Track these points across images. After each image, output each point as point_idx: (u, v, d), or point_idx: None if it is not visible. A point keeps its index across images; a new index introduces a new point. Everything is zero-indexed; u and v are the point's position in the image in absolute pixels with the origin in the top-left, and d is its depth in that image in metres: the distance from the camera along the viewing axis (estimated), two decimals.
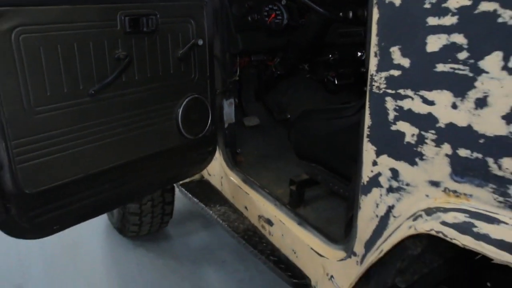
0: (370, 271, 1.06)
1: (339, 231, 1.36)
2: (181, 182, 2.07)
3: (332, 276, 1.20)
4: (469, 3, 0.73)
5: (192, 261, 2.54)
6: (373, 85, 0.94)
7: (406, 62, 0.86)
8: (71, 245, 2.68)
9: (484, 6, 0.71)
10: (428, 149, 0.85)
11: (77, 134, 1.26)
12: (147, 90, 1.43)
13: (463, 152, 0.79)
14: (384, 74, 0.91)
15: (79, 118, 1.26)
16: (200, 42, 1.52)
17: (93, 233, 2.82)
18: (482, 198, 0.78)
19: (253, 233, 1.62)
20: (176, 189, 2.52)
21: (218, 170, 1.90)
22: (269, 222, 1.53)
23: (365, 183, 1.02)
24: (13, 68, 1.09)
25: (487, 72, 0.73)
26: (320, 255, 1.26)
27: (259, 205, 1.60)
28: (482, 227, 0.75)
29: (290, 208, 1.48)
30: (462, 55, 0.76)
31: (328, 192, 1.66)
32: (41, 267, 2.45)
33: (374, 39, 0.92)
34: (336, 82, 2.04)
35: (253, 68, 2.05)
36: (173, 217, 2.87)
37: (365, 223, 1.04)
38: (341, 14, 1.58)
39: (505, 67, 0.70)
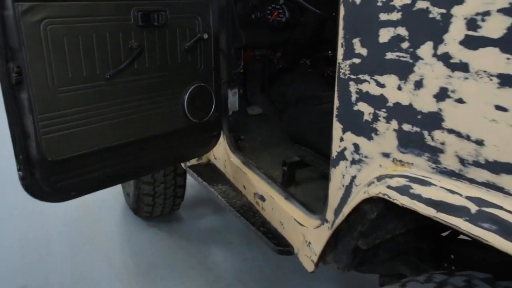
0: (338, 235, 1.20)
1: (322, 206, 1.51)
2: (189, 164, 2.25)
3: (309, 243, 1.35)
4: (409, 1, 0.87)
5: (200, 241, 2.72)
6: (340, 72, 1.09)
7: (364, 52, 1.01)
8: (91, 223, 2.91)
9: (419, 4, 0.85)
10: (381, 125, 0.99)
11: (93, 112, 1.45)
12: (157, 77, 1.61)
13: (406, 127, 0.93)
14: (348, 62, 1.06)
15: (96, 99, 1.45)
16: (205, 36, 1.70)
17: (111, 214, 3.04)
18: (420, 166, 0.92)
19: (248, 209, 1.79)
20: (189, 177, 2.71)
21: (222, 154, 2.07)
22: (262, 198, 1.70)
23: (334, 157, 1.17)
24: (40, 53, 1.28)
25: (422, 59, 0.87)
26: (301, 225, 1.41)
27: (255, 184, 1.76)
28: (417, 189, 0.89)
29: (280, 186, 1.64)
30: (405, 45, 0.90)
31: (319, 175, 1.81)
32: (65, 242, 2.68)
33: (341, 32, 1.07)
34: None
35: (257, 62, 2.21)
36: (185, 203, 3.07)
37: (334, 193, 1.19)
38: (333, 14, 1.72)
39: (435, 55, 0.84)
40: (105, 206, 3.15)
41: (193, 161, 2.26)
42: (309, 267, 1.37)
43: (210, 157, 2.25)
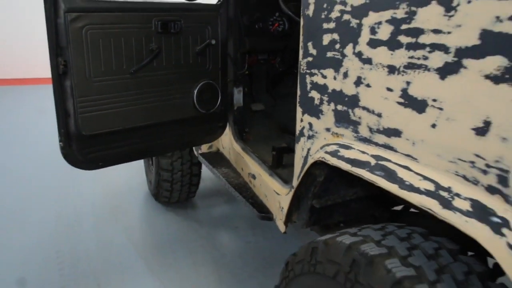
0: (299, 198, 1.53)
1: None
2: (201, 152, 2.63)
3: (282, 208, 1.68)
4: (339, 14, 1.22)
5: (211, 225, 3.07)
6: (300, 68, 1.43)
7: (314, 52, 1.35)
8: (116, 206, 3.33)
9: (345, 17, 1.19)
10: (324, 107, 1.33)
11: (119, 98, 1.85)
12: (171, 73, 2.00)
13: (339, 107, 1.27)
14: (305, 60, 1.40)
15: (122, 88, 1.85)
16: (213, 42, 2.08)
17: (134, 199, 3.46)
18: (346, 136, 1.25)
19: (243, 186, 2.14)
20: (205, 170, 3.08)
21: (227, 143, 2.43)
22: (254, 177, 2.04)
23: (297, 134, 1.51)
24: (81, 51, 1.70)
25: (347, 56, 1.21)
26: (278, 194, 1.75)
27: (249, 166, 2.11)
28: (342, 152, 1.22)
29: (268, 166, 1.98)
30: (337, 46, 1.24)
31: None
32: (92, 220, 3.11)
33: (301, 38, 1.41)
34: None
35: (261, 65, 2.58)
36: (201, 193, 3.45)
37: (297, 163, 1.52)
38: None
39: (354, 52, 1.18)
40: (130, 192, 3.58)
41: (204, 149, 2.64)
42: (282, 228, 1.70)
43: (219, 147, 2.62)
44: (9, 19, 8.74)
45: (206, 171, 3.43)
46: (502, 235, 0.79)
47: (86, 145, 1.83)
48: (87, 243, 2.79)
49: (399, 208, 1.72)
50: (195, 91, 2.09)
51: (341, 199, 1.49)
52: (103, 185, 3.74)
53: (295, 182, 1.55)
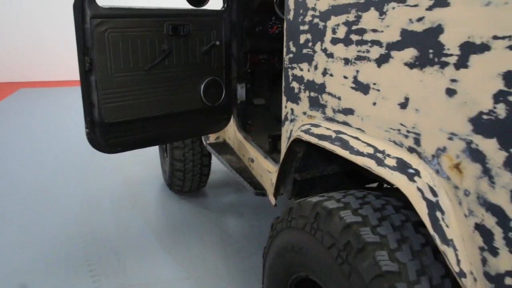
0: (285, 173, 1.82)
1: None
2: (209, 142, 2.94)
3: (273, 183, 1.97)
4: (311, 18, 1.50)
5: (219, 211, 3.37)
6: (284, 63, 1.73)
7: (294, 49, 1.64)
8: (134, 194, 3.67)
9: (315, 20, 1.48)
10: (302, 95, 1.61)
11: (136, 92, 2.17)
12: (181, 70, 2.31)
13: (312, 94, 1.55)
14: (287, 56, 1.69)
15: (138, 83, 2.17)
16: (217, 43, 2.39)
17: (150, 189, 3.80)
18: (317, 117, 1.53)
19: (243, 169, 2.43)
20: (216, 163, 3.39)
21: (232, 134, 2.74)
22: (252, 161, 2.34)
23: (283, 119, 1.79)
24: (104, 51, 2.02)
25: (316, 52, 1.49)
26: (270, 172, 2.04)
27: (249, 152, 2.41)
28: (313, 130, 1.50)
29: (264, 150, 2.27)
30: (310, 44, 1.53)
31: None
32: (112, 206, 3.45)
33: (284, 38, 1.70)
34: None
35: (262, 64, 2.87)
36: (212, 184, 3.77)
37: (283, 144, 1.81)
38: None
39: (321, 49, 1.46)
40: (147, 183, 3.92)
41: (212, 140, 2.95)
42: (272, 201, 1.99)
43: (225, 137, 2.93)
44: (51, 26, 9.28)
45: (217, 164, 3.75)
46: (414, 181, 1.07)
47: (107, 131, 2.15)
48: (107, 225, 3.12)
49: (374, 185, 1.99)
50: (202, 86, 2.40)
51: (320, 174, 1.77)
52: (123, 176, 4.09)
53: (281, 160, 1.84)
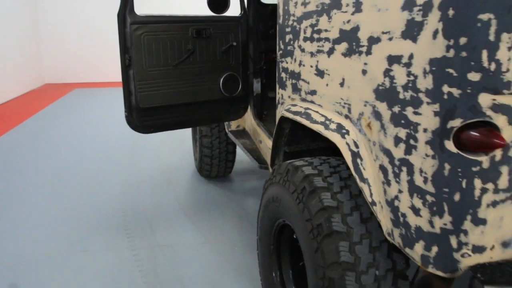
0: (277, 147, 2.27)
1: None
2: (230, 129, 3.43)
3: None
4: (292, 22, 1.95)
5: (242, 194, 3.86)
6: (277, 58, 2.18)
7: (283, 47, 2.10)
8: (168, 178, 4.24)
9: (294, 23, 1.93)
10: (287, 82, 2.07)
11: (165, 83, 2.70)
12: (203, 66, 2.82)
13: (293, 81, 2.00)
14: (279, 52, 2.15)
15: (167, 76, 2.70)
16: (235, 43, 2.88)
17: (183, 174, 4.35)
18: (296, 99, 1.98)
19: (254, 150, 2.91)
20: (243, 154, 3.89)
21: (249, 122, 3.22)
22: (260, 142, 2.81)
23: (276, 103, 2.25)
24: (140, 50, 2.57)
25: (295, 48, 1.94)
26: (270, 149, 2.49)
27: (260, 134, 2.88)
28: (292, 108, 1.95)
29: (270, 133, 2.73)
30: (291, 42, 1.98)
31: None
32: (149, 187, 4.03)
33: (277, 38, 2.16)
34: None
35: (276, 62, 3.33)
36: (238, 172, 4.26)
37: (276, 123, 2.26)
38: None
39: (298, 46, 1.91)
40: (180, 169, 4.48)
41: (233, 128, 3.45)
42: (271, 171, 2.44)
43: (245, 126, 3.41)
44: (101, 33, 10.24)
45: (243, 155, 4.24)
46: (344, 138, 1.50)
47: (142, 115, 2.70)
48: (144, 201, 3.70)
49: None
50: (221, 80, 2.90)
51: (306, 148, 2.21)
52: (161, 163, 4.69)
53: (273, 135, 2.30)
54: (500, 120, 1.05)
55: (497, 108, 1.04)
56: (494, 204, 1.11)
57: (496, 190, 1.10)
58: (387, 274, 1.45)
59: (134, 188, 3.98)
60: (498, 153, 1.07)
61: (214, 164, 3.94)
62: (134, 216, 3.40)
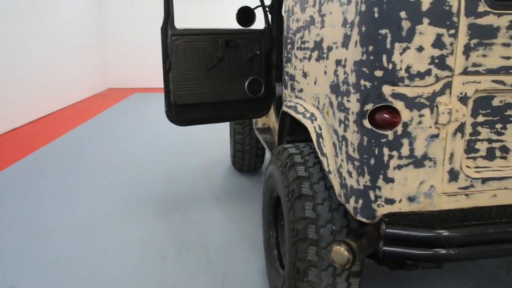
0: (281, 136, 2.75)
1: None
2: (256, 126, 3.95)
3: None
4: (290, 35, 2.44)
5: None
6: (283, 63, 2.67)
7: (286, 54, 2.59)
8: (206, 170, 4.82)
9: (291, 36, 2.42)
10: (288, 83, 2.55)
11: (198, 85, 3.27)
12: (231, 71, 3.36)
13: (291, 82, 2.48)
14: (284, 59, 2.64)
15: (200, 79, 3.27)
16: (258, 52, 3.40)
17: (220, 167, 4.92)
18: (292, 96, 2.46)
19: (272, 142, 3.40)
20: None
21: (273, 121, 3.72)
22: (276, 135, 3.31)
23: (283, 101, 2.73)
24: (177, 57, 3.16)
25: (292, 55, 2.43)
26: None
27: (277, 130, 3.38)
28: (288, 104, 2.44)
29: None
30: (291, 50, 2.47)
31: None
32: (189, 178, 4.64)
33: (283, 47, 2.66)
34: None
35: None
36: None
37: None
38: None
39: (293, 54, 2.40)
40: (218, 163, 5.05)
41: (260, 125, 3.96)
42: None
43: (270, 124, 3.92)
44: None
45: None
46: (313, 123, 1.97)
47: (178, 110, 3.29)
48: (182, 188, 4.30)
49: None
50: (246, 83, 3.42)
51: (304, 137, 2.67)
52: (202, 159, 5.30)
53: (278, 127, 2.78)
54: (398, 104, 1.48)
55: (396, 95, 1.48)
56: (399, 167, 1.54)
57: (400, 157, 1.53)
58: (342, 230, 1.89)
59: (176, 177, 4.60)
60: (399, 129, 1.50)
61: (245, 159, 4.47)
62: (173, 199, 4.00)
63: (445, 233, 1.47)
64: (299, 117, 2.16)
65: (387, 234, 1.51)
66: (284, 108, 2.48)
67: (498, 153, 1.63)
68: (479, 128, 1.59)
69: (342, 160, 1.71)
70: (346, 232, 1.90)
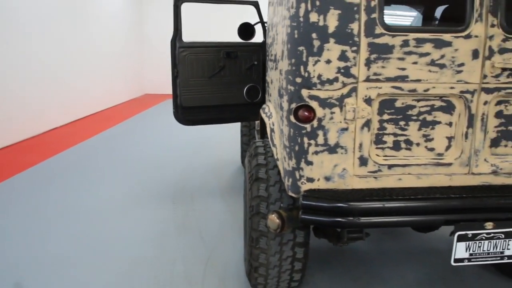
0: (263, 135, 3.21)
1: None
2: (257, 128, 4.42)
3: None
4: (268, 51, 2.92)
5: None
6: (266, 73, 3.15)
7: (267, 66, 3.06)
8: (218, 169, 5.34)
9: (269, 51, 2.90)
10: (267, 90, 3.02)
11: (202, 90, 3.80)
12: (231, 78, 3.87)
13: (268, 89, 2.95)
14: (267, 71, 3.12)
15: (203, 85, 3.80)
16: (256, 62, 3.89)
17: (231, 167, 5.43)
18: (268, 101, 2.93)
19: None
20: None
21: None
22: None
23: (265, 101, 3.20)
24: (184, 66, 3.71)
25: (268, 66, 2.90)
26: None
27: None
28: (264, 109, 2.91)
29: None
30: (268, 63, 2.94)
31: None
32: (201, 176, 5.18)
33: (267, 46, 3.14)
34: None
35: None
36: None
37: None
38: None
39: (267, 65, 2.87)
40: (228, 162, 5.57)
41: (258, 128, 4.43)
42: None
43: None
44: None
45: None
46: (269, 120, 2.43)
47: (184, 112, 3.82)
48: (193, 182, 4.83)
49: None
50: (245, 89, 3.91)
51: None
52: (215, 159, 5.85)
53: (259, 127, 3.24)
54: (313, 104, 1.92)
55: (311, 97, 1.92)
56: (316, 152, 1.97)
57: (316, 145, 1.96)
58: (288, 207, 2.33)
59: (189, 172, 5.15)
60: (315, 123, 1.94)
61: None
62: (182, 191, 4.55)
63: (345, 204, 1.88)
64: (263, 116, 2.63)
65: (303, 205, 1.95)
66: (260, 110, 2.96)
67: (403, 145, 2.03)
68: (385, 124, 2.00)
69: (282, 148, 2.17)
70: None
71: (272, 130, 2.39)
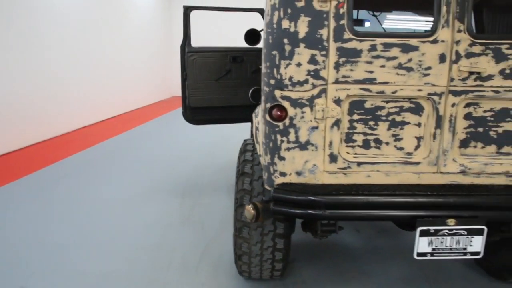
0: None
1: None
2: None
3: None
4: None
5: None
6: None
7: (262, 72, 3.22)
8: (227, 168, 5.52)
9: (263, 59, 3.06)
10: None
11: (209, 92, 3.99)
12: (237, 81, 4.04)
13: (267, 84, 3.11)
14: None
15: (210, 87, 3.99)
16: (261, 66, 4.04)
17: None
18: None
19: None
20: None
21: None
22: None
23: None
24: (192, 69, 3.91)
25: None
26: None
27: None
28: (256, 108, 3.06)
29: None
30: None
31: None
32: (210, 172, 5.37)
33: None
34: None
35: None
36: None
37: None
38: None
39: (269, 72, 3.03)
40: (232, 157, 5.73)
41: None
42: None
43: None
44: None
45: None
46: (256, 117, 2.58)
47: (193, 112, 4.03)
48: (202, 179, 5.04)
49: None
50: (250, 92, 4.08)
51: None
52: (226, 158, 6.04)
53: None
54: (285, 104, 2.06)
55: (284, 97, 2.06)
56: (288, 149, 2.11)
57: (288, 141, 2.10)
58: (269, 200, 2.46)
59: (200, 171, 5.36)
60: (287, 121, 2.08)
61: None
62: (191, 187, 4.75)
63: (312, 197, 2.01)
64: (253, 116, 2.77)
65: (274, 197, 2.09)
66: (253, 113, 3.11)
67: (372, 144, 2.14)
68: (355, 124, 2.11)
69: (261, 145, 2.31)
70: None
71: (256, 129, 2.54)
